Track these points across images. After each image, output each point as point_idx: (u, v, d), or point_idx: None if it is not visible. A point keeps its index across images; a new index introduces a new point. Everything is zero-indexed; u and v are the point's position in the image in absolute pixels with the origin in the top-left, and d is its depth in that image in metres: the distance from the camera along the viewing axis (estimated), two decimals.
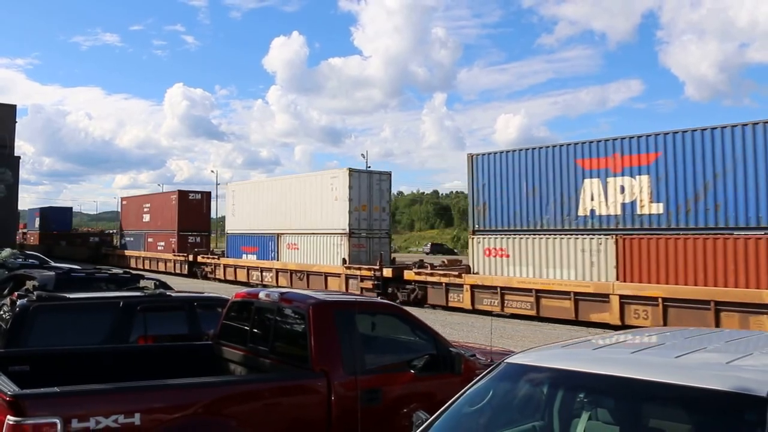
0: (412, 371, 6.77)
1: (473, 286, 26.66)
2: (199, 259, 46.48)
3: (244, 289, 8.66)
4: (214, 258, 45.40)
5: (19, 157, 54.25)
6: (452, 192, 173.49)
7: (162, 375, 6.78)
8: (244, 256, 41.66)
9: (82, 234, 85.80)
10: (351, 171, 33.80)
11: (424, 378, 6.83)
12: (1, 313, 8.96)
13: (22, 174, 66.06)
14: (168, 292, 10.57)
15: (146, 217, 56.49)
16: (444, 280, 27.89)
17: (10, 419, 4.99)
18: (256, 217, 40.55)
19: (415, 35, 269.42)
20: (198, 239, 51.57)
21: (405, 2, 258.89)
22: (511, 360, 4.35)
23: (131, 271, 16.73)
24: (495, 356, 7.40)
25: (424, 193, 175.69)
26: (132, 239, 59.40)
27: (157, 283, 12.71)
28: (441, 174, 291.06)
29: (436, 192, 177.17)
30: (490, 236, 26.74)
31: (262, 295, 7.57)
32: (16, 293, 9.18)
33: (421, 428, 4.15)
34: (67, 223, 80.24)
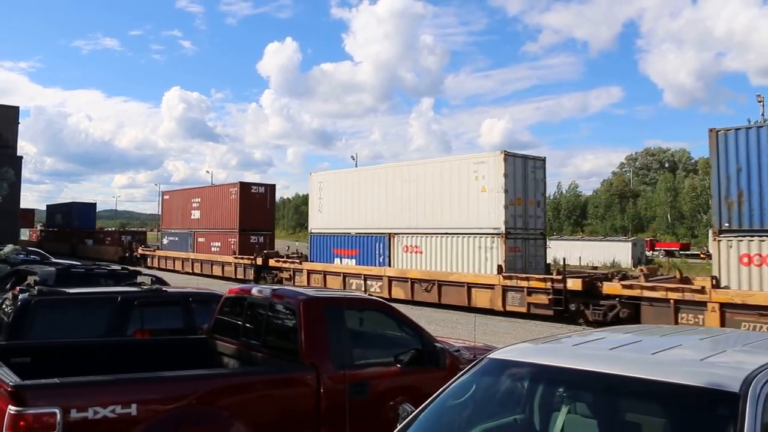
0: (399, 365, 6.77)
1: (725, 305, 18.61)
2: (272, 262, 37.92)
3: (237, 285, 8.66)
4: (292, 262, 36.83)
5: (21, 157, 53.84)
6: None
7: (158, 367, 6.76)
8: (338, 260, 33.16)
9: (112, 232, 77.99)
10: (506, 154, 25.59)
11: (410, 372, 6.83)
12: (4, 307, 8.92)
13: (25, 173, 65.17)
14: (164, 288, 10.54)
15: (195, 214, 46.62)
16: (674, 296, 19.73)
17: (12, 409, 4.97)
18: (356, 214, 32.21)
19: (404, 42, 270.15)
20: (261, 239, 42.40)
21: (395, 10, 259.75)
22: (493, 355, 4.35)
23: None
24: (478, 351, 7.41)
25: None
26: (176, 239, 49.35)
27: (154, 279, 12.67)
28: None
29: None
30: (749, 238, 18.67)
31: (254, 291, 7.58)
32: (17, 288, 9.12)
33: (407, 420, 4.14)
34: (91, 220, 72.64)
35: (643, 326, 7.55)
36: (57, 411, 5.05)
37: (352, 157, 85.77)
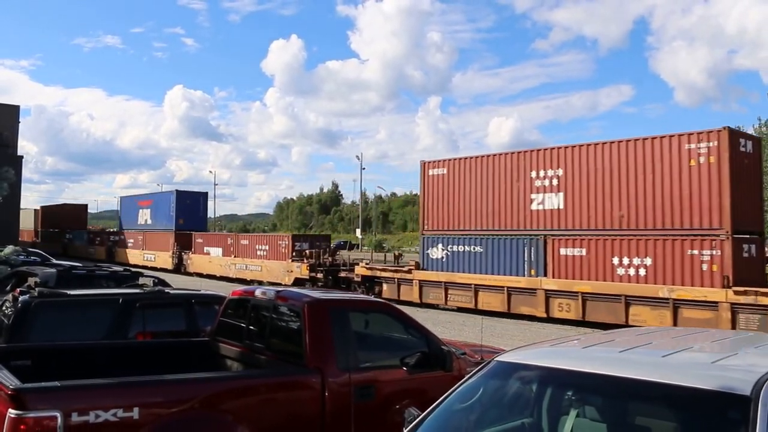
0: (405, 368, 6.76)
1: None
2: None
3: (241, 287, 8.66)
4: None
5: (22, 157, 54.11)
6: None
7: (160, 370, 6.77)
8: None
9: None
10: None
11: (416, 375, 6.82)
12: (4, 308, 8.94)
13: (25, 173, 65.18)
14: (166, 290, 10.55)
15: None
16: None
17: (12, 412, 4.97)
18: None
19: (411, 39, 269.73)
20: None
21: (401, 7, 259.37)
22: (501, 358, 4.34)
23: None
24: (485, 354, 7.41)
25: (417, 194, 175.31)
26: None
27: (156, 280, 12.69)
28: None
29: None
30: None
31: (258, 292, 7.57)
32: (18, 289, 9.14)
33: (413, 424, 4.14)
34: (200, 219, 55.74)
35: (654, 328, 7.53)
36: (58, 415, 5.06)
37: (357, 156, 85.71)
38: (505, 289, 25.74)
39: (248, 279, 38.64)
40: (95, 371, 6.59)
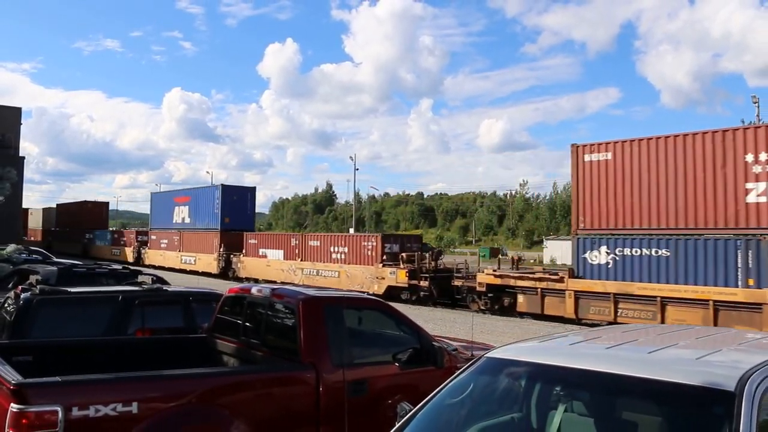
0: (397, 364, 6.77)
1: None
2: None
3: (237, 285, 8.66)
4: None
5: (23, 157, 53.95)
6: (436, 194, 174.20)
7: (158, 366, 6.76)
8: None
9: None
10: None
11: (408, 371, 6.83)
12: (6, 306, 8.92)
13: (27, 174, 64.67)
14: (164, 287, 10.54)
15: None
16: None
17: (14, 407, 4.97)
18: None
19: (404, 43, 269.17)
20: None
21: (394, 11, 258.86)
22: (491, 354, 4.35)
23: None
24: (476, 350, 7.42)
25: (409, 194, 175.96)
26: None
27: (155, 278, 12.67)
28: (425, 176, 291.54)
29: (420, 194, 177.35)
30: None
31: (254, 290, 7.57)
32: (20, 287, 9.11)
33: (405, 419, 4.14)
34: (247, 217, 48.54)
35: (640, 325, 7.54)
36: (59, 409, 5.05)
37: (351, 157, 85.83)
38: (711, 303, 19.65)
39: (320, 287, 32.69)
40: (95, 367, 6.56)
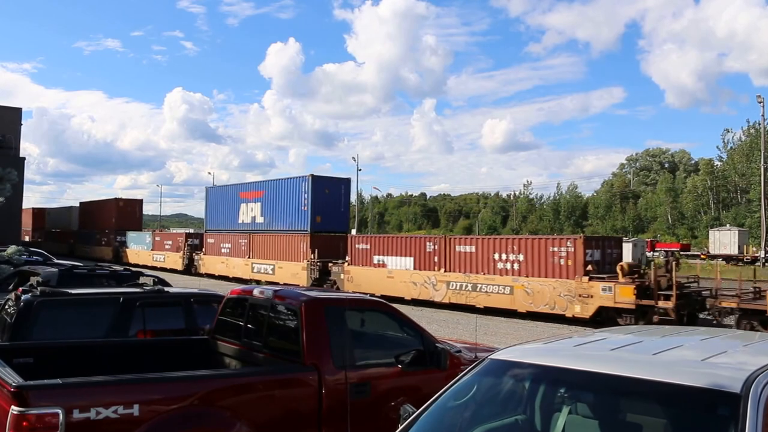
0: (400, 366, 6.77)
1: None
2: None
3: (239, 286, 8.67)
4: None
5: (24, 158, 54.06)
6: (439, 194, 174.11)
7: (160, 368, 6.77)
8: None
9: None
10: None
11: (411, 373, 6.83)
12: (7, 307, 8.93)
13: (27, 174, 63.96)
14: (166, 289, 10.54)
15: None
16: None
17: (15, 409, 4.97)
18: None
19: (407, 43, 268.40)
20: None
21: (397, 11, 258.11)
22: (495, 356, 4.34)
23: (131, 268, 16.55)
24: (480, 352, 7.41)
25: (412, 195, 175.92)
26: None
27: (156, 280, 12.67)
28: (428, 177, 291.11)
29: (423, 194, 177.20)
30: None
31: (256, 292, 7.57)
32: (20, 288, 9.13)
33: (408, 421, 4.14)
34: (341, 216, 39.83)
35: (645, 327, 7.54)
36: (59, 411, 5.05)
37: (353, 158, 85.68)
38: None
39: (481, 307, 26.03)
40: (96, 369, 6.58)
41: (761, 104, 58.50)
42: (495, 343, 13.40)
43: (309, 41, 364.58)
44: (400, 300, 27.80)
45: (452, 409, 4.26)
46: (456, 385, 4.30)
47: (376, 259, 31.71)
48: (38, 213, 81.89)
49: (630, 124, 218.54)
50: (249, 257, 41.36)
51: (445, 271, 28.12)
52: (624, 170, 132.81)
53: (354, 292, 20.23)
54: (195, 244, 48.95)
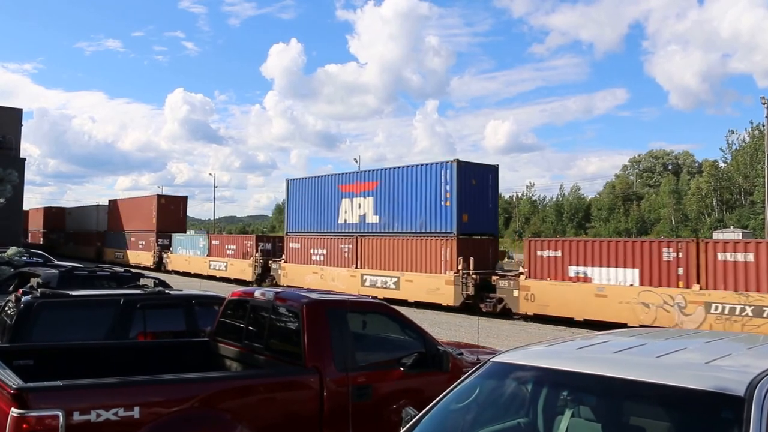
0: (402, 368, 6.77)
1: None
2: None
3: (240, 288, 8.66)
4: None
5: (24, 159, 54.12)
6: None
7: (161, 370, 6.77)
8: None
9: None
10: None
11: (413, 375, 6.83)
12: (7, 309, 8.93)
13: (28, 175, 63.77)
14: (167, 291, 10.54)
15: None
16: None
17: (15, 411, 4.97)
18: None
19: (410, 43, 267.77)
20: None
21: (399, 11, 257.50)
22: (497, 359, 4.34)
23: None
24: (482, 355, 7.41)
25: None
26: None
27: (157, 281, 12.68)
28: None
29: None
30: None
31: (257, 293, 7.56)
32: (20, 290, 9.13)
33: (410, 424, 4.14)
34: (488, 213, 30.90)
35: (648, 329, 7.54)
36: (59, 414, 5.05)
37: (355, 159, 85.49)
38: None
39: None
40: (97, 371, 6.59)
41: (765, 105, 58.38)
42: (497, 345, 13.39)
43: (311, 42, 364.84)
44: (613, 325, 19.45)
45: (454, 412, 4.25)
46: (458, 387, 4.30)
47: (573, 270, 24.33)
48: (56, 213, 75.30)
49: (633, 126, 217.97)
50: (356, 266, 33.31)
51: (701, 288, 20.91)
52: (627, 172, 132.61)
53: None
54: (266, 249, 41.24)
